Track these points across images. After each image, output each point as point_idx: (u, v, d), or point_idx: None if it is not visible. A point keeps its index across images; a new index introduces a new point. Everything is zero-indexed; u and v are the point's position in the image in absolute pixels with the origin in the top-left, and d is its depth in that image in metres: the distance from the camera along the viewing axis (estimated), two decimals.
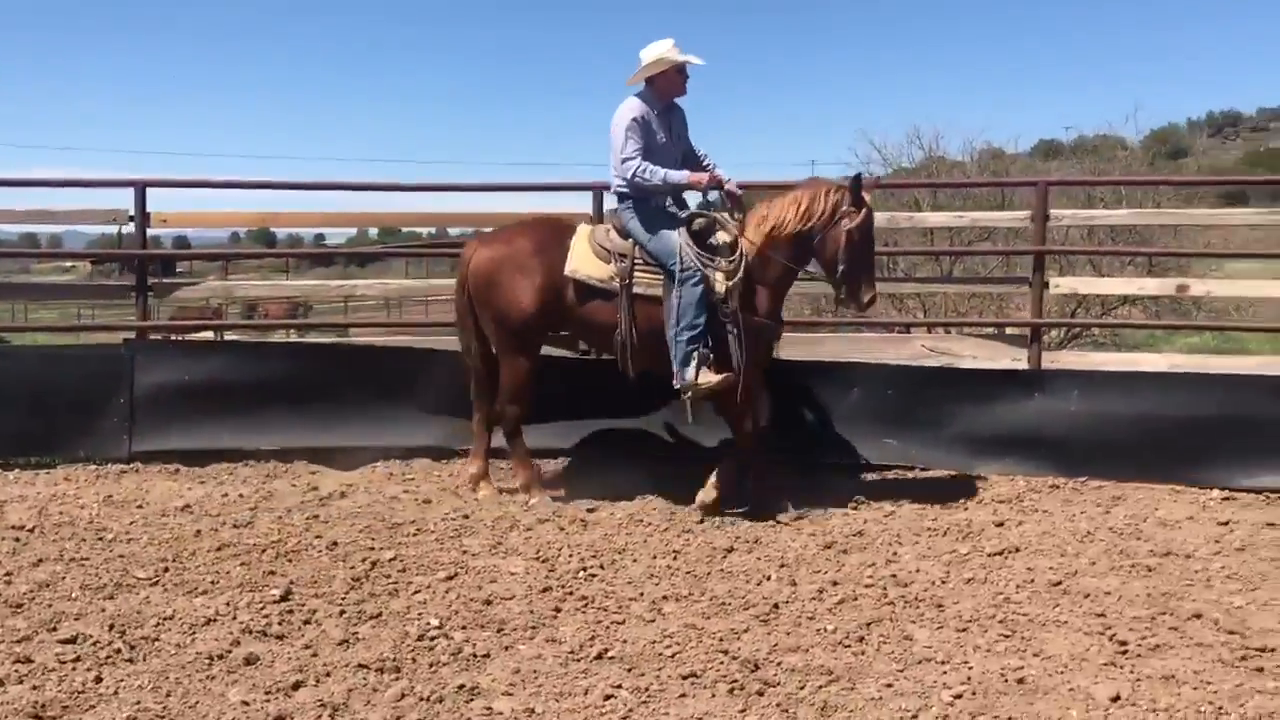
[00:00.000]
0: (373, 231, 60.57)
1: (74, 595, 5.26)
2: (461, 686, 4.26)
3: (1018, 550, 6.26)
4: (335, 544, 6.17)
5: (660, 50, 6.94)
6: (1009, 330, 10.24)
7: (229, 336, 15.37)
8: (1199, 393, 7.92)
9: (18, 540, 6.20)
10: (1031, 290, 8.68)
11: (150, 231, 8.70)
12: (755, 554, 6.16)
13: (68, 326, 20.17)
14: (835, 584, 5.60)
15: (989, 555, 6.16)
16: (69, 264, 66.53)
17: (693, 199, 7.26)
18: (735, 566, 5.92)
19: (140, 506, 6.96)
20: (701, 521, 6.78)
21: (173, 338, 11.48)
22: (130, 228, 8.54)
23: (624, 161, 6.85)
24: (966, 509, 7.17)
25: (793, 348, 9.21)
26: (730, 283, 6.80)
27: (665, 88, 7.05)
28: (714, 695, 4.24)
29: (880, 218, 9.64)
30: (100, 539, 6.24)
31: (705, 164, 7.19)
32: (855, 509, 7.12)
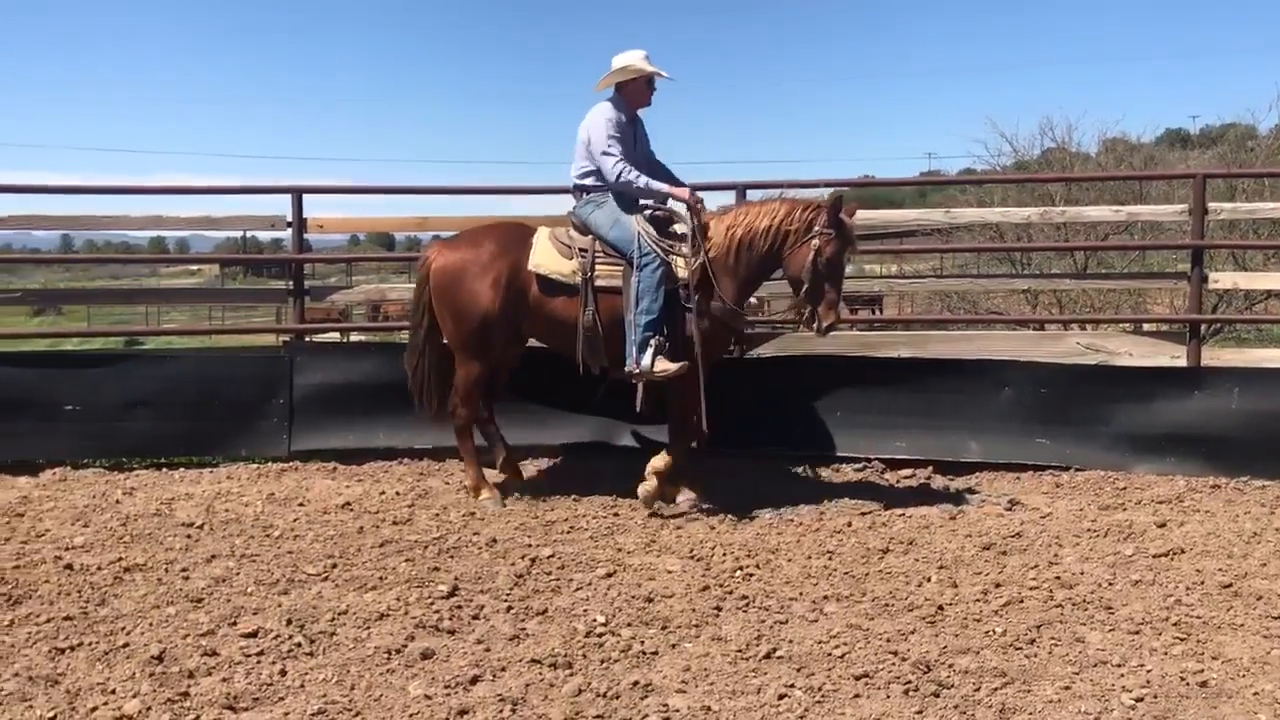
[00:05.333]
0: None
1: (249, 590, 5.42)
2: (635, 683, 4.29)
3: (1183, 551, 6.12)
4: (494, 541, 6.28)
5: (631, 59, 7.03)
6: (1146, 326, 10.04)
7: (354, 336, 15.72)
8: None
9: (189, 537, 6.41)
10: (1190, 285, 8.48)
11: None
12: (912, 555, 6.10)
13: (210, 330, 20.74)
14: (998, 586, 5.52)
15: (1154, 557, 6.03)
16: (194, 268, 68.15)
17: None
18: (893, 567, 5.87)
19: (302, 504, 7.15)
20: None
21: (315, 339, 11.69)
22: (287, 233, 8.82)
23: (608, 160, 6.92)
24: (1126, 510, 7.03)
25: (940, 345, 9.09)
26: (690, 269, 6.82)
27: (633, 97, 7.16)
28: (889, 696, 4.22)
29: (1030, 212, 9.56)
30: (268, 535, 6.42)
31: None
32: (1010, 510, 7.01)
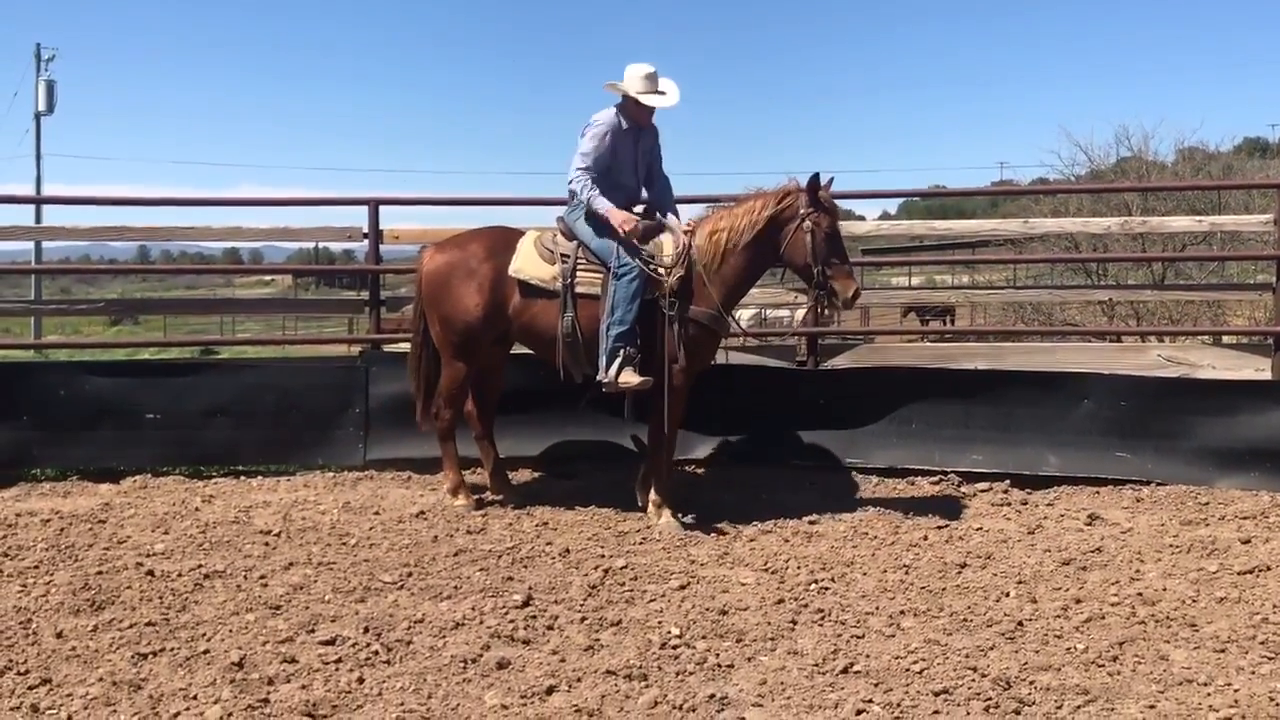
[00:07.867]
0: None
1: (327, 598, 5.46)
2: (712, 696, 4.27)
3: (1269, 568, 5.98)
4: (567, 551, 6.29)
5: (629, 78, 6.96)
6: (1227, 339, 9.87)
7: None
8: None
9: (267, 544, 6.47)
10: (1276, 296, 8.30)
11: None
12: (990, 570, 6.02)
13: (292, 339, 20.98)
14: (1079, 602, 5.43)
15: (1239, 573, 5.90)
16: (268, 279, 68.98)
17: None
18: (971, 582, 5.80)
19: (378, 513, 7.19)
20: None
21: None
22: (365, 244, 8.90)
23: (572, 167, 6.94)
24: (1209, 525, 6.89)
25: (1017, 357, 8.98)
26: (670, 280, 6.78)
27: (633, 112, 7.07)
28: (969, 713, 4.16)
29: (1110, 222, 9.43)
30: (344, 544, 6.47)
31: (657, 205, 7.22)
32: (1090, 525, 6.90)
